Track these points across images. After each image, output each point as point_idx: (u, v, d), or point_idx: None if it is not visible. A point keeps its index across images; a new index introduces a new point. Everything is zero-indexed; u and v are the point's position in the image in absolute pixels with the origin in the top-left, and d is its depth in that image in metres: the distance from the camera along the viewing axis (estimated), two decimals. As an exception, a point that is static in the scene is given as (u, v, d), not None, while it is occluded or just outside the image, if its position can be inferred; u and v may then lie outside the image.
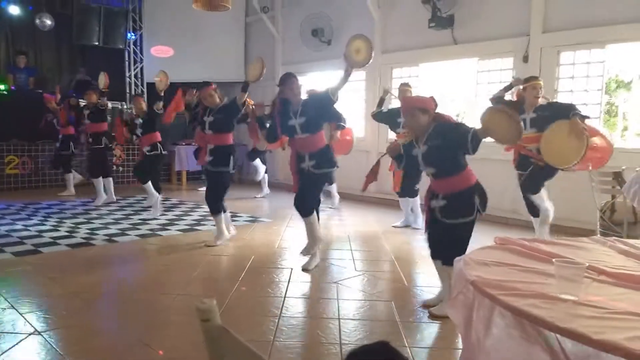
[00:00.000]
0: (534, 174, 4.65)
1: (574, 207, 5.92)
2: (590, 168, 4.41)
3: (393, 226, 6.26)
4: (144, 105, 6.69)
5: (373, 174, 4.20)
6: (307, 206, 4.33)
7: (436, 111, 3.27)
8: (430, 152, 3.21)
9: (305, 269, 4.33)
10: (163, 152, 6.77)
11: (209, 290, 3.83)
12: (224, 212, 5.25)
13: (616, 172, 4.24)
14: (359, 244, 5.31)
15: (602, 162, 4.45)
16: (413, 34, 7.64)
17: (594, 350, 1.21)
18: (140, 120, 6.60)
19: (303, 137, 4.12)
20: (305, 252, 4.44)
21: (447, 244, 3.27)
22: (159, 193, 6.78)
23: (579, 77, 6.11)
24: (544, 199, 4.72)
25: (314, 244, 4.43)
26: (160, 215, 6.58)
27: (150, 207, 6.81)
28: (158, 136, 6.65)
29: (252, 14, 10.52)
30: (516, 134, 2.88)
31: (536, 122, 4.60)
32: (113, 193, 7.64)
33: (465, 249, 3.15)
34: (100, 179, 7.48)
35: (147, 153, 6.61)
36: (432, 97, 3.25)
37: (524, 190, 4.78)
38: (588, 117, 4.46)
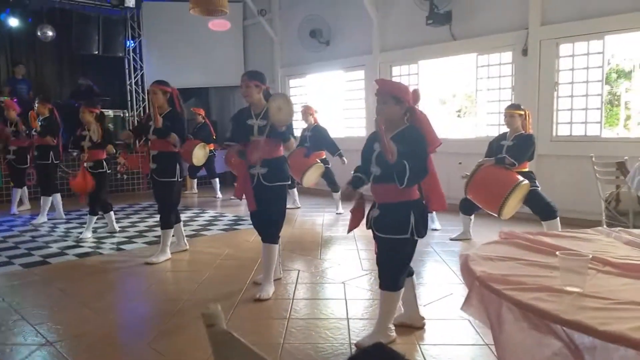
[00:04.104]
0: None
1: (579, 198, 5.92)
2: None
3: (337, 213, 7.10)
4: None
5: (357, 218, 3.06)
6: (275, 231, 3.88)
7: (415, 106, 2.81)
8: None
9: (259, 299, 3.71)
10: (108, 170, 5.97)
11: (217, 295, 3.85)
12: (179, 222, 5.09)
13: (619, 162, 4.24)
14: (364, 244, 5.32)
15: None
16: (411, 32, 7.65)
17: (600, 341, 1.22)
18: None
19: (258, 139, 3.69)
20: (263, 294, 3.73)
21: (381, 262, 2.93)
22: (110, 210, 6.09)
23: (578, 69, 6.11)
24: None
25: (270, 277, 3.85)
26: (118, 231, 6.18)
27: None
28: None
29: (249, 18, 10.55)
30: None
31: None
32: (62, 210, 7.05)
33: (398, 272, 2.86)
34: (49, 197, 6.85)
35: (90, 170, 5.68)
36: (415, 90, 2.83)
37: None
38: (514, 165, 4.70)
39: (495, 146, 4.99)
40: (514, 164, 4.62)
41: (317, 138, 6.92)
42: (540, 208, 4.75)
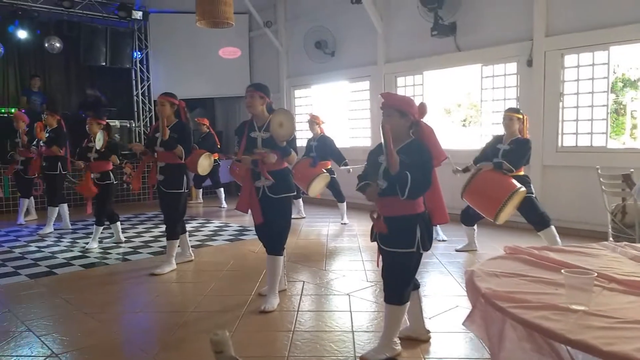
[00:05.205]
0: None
1: (585, 209, 5.90)
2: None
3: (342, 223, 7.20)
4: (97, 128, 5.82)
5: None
6: (281, 242, 3.89)
7: (422, 120, 2.83)
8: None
9: (264, 311, 3.71)
10: (115, 182, 6.01)
11: (222, 307, 3.85)
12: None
13: (625, 175, 4.22)
14: (369, 255, 5.32)
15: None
16: (416, 43, 7.68)
17: (605, 361, 1.22)
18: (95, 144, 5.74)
19: (262, 152, 3.70)
20: (268, 305, 3.74)
21: (386, 276, 2.90)
22: (117, 220, 6.15)
23: (584, 80, 6.11)
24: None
25: (275, 289, 3.86)
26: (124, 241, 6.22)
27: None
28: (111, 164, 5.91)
29: (255, 29, 10.63)
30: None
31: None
32: (68, 220, 7.11)
33: (404, 285, 2.84)
34: (56, 208, 6.88)
35: (96, 182, 5.76)
36: (422, 104, 2.84)
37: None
38: (512, 171, 4.69)
39: (490, 149, 4.97)
40: (511, 170, 4.63)
41: (323, 148, 6.94)
42: (534, 217, 4.77)
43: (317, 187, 6.74)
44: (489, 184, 4.59)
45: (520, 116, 4.88)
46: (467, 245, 5.42)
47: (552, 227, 4.76)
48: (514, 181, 4.58)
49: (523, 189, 4.54)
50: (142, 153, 4.90)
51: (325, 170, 6.80)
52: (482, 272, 1.83)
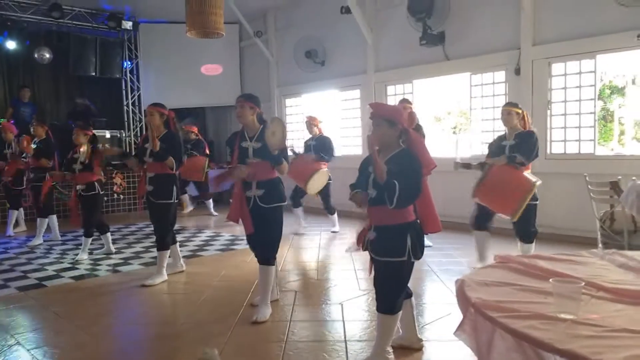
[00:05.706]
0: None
1: (574, 216, 5.95)
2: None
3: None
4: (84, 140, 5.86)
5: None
6: (273, 252, 3.89)
7: (412, 129, 2.83)
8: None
9: (256, 321, 3.70)
10: (101, 192, 5.91)
11: (214, 318, 3.83)
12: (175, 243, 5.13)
13: (613, 182, 4.27)
14: (362, 263, 5.32)
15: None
16: (405, 52, 7.75)
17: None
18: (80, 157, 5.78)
19: (254, 162, 3.76)
20: (260, 316, 3.74)
21: (378, 285, 2.91)
22: (107, 231, 6.12)
23: (571, 88, 6.19)
24: None
25: (267, 299, 3.86)
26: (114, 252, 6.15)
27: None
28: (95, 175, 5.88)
29: (246, 39, 10.67)
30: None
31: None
32: (57, 232, 7.03)
33: (395, 294, 2.83)
34: (45, 219, 6.82)
35: (82, 193, 5.75)
36: (410, 112, 2.90)
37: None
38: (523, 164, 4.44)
39: (495, 148, 4.74)
40: (523, 163, 4.38)
41: (322, 147, 6.81)
42: (526, 228, 4.54)
43: (316, 184, 6.44)
44: (506, 180, 4.30)
45: (519, 111, 4.64)
46: (477, 259, 4.86)
47: (534, 244, 4.62)
48: (528, 175, 4.37)
49: (540, 181, 4.32)
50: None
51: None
52: (472, 282, 1.85)
